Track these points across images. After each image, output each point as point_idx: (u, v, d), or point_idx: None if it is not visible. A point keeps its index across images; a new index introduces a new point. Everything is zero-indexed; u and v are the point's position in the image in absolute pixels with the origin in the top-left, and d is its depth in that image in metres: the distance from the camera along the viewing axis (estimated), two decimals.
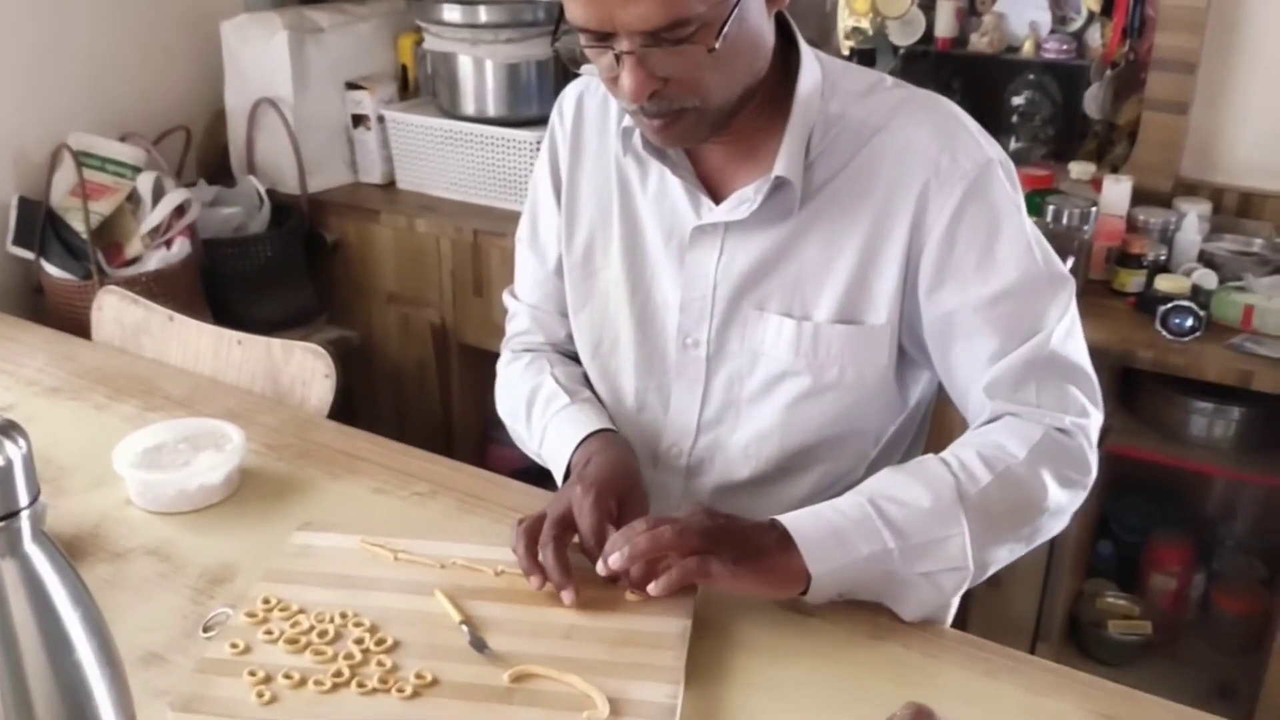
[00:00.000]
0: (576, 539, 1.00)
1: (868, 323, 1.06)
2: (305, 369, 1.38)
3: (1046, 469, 1.00)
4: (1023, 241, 1.03)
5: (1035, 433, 1.01)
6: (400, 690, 0.87)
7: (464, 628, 0.94)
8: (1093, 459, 1.04)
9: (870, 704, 0.89)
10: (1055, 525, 1.04)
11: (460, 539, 1.05)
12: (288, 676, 0.88)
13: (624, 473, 1.07)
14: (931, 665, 0.94)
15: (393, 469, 1.22)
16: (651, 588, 0.93)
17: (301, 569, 1.02)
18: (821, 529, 0.95)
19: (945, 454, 1.02)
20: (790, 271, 1.07)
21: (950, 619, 1.08)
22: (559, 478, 1.14)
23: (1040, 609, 1.66)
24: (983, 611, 1.71)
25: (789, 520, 0.96)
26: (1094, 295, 1.80)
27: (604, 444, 1.10)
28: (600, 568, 0.95)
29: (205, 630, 0.96)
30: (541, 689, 0.88)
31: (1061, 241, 1.59)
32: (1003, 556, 1.01)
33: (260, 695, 0.86)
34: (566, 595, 0.96)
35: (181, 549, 1.08)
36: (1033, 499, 1.00)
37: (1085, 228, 1.82)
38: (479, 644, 0.92)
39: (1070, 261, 1.65)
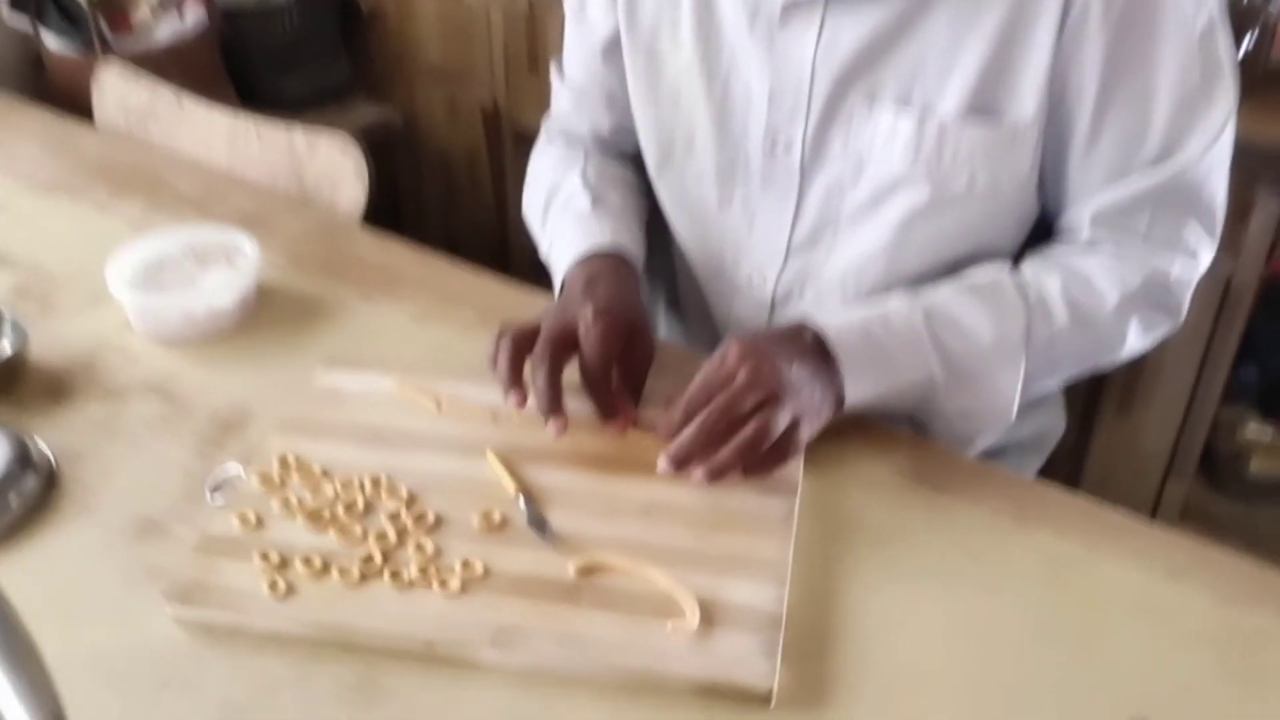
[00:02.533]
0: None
1: (1007, 119, 0.84)
2: (333, 165, 1.18)
3: (1134, 317, 0.88)
4: (1186, 43, 0.81)
5: (1134, 277, 0.86)
6: (444, 583, 0.71)
7: (521, 501, 0.77)
8: (1187, 303, 0.89)
9: (1015, 609, 0.72)
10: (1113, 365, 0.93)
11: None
12: (308, 563, 0.72)
13: (635, 308, 0.89)
14: (1095, 561, 0.76)
15: (437, 290, 1.03)
16: (698, 475, 0.77)
17: (326, 419, 0.85)
18: (868, 349, 0.82)
19: (1025, 275, 0.87)
20: (909, 54, 0.84)
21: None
22: (557, 289, 0.96)
23: (1177, 441, 1.47)
24: (1107, 440, 1.52)
25: (833, 337, 0.81)
26: (1275, 84, 1.52)
27: (613, 269, 0.92)
28: (662, 466, 0.77)
29: (212, 494, 0.80)
30: (615, 586, 0.71)
31: (1242, 19, 1.31)
32: (1035, 392, 0.89)
33: (274, 586, 0.71)
34: (555, 426, 0.81)
35: (187, 387, 0.91)
36: (1106, 348, 0.89)
37: (1272, 2, 1.52)
38: (539, 523, 0.75)
39: (1248, 41, 1.37)
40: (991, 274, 0.86)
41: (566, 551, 0.73)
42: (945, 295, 0.85)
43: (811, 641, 0.69)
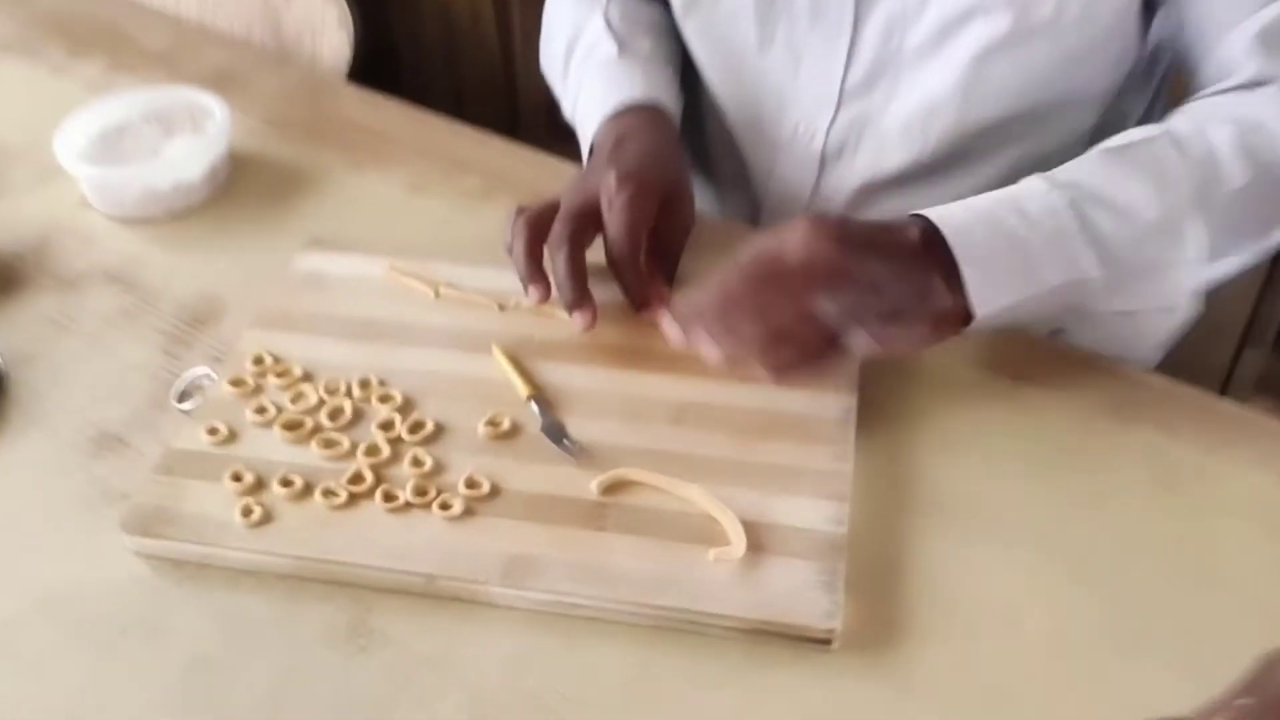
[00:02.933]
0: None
1: None
2: (313, 12, 1.03)
3: None
4: None
5: None
6: (445, 506, 0.61)
7: (533, 406, 0.66)
8: None
9: (1118, 524, 0.61)
10: None
11: None
12: (286, 483, 0.62)
13: (671, 168, 0.76)
14: (1209, 466, 0.64)
15: (435, 156, 0.90)
16: (706, 350, 0.64)
17: (308, 310, 0.73)
18: (999, 248, 0.63)
19: (1181, 130, 0.68)
20: None
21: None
22: (585, 154, 0.83)
23: (1256, 309, 1.33)
24: None
25: (952, 232, 0.63)
26: None
27: (647, 123, 0.77)
28: (669, 330, 0.65)
29: (180, 401, 0.69)
30: (646, 507, 0.61)
31: None
32: (1215, 275, 0.70)
33: (248, 513, 0.60)
34: (581, 319, 0.69)
35: (151, 273, 0.80)
36: None
37: None
38: (555, 432, 0.64)
39: None
40: (1137, 135, 0.69)
41: (588, 466, 0.63)
42: (1087, 167, 0.67)
43: (877, 570, 0.59)
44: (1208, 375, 0.68)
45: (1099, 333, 0.71)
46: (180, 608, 0.59)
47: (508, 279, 0.73)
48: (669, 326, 0.66)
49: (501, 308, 0.73)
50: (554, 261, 0.69)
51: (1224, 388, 1.35)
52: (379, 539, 0.59)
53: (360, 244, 0.78)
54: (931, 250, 0.63)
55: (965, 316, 0.63)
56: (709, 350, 0.64)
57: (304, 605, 0.58)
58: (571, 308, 0.69)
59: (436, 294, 0.74)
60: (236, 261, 0.80)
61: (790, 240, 0.62)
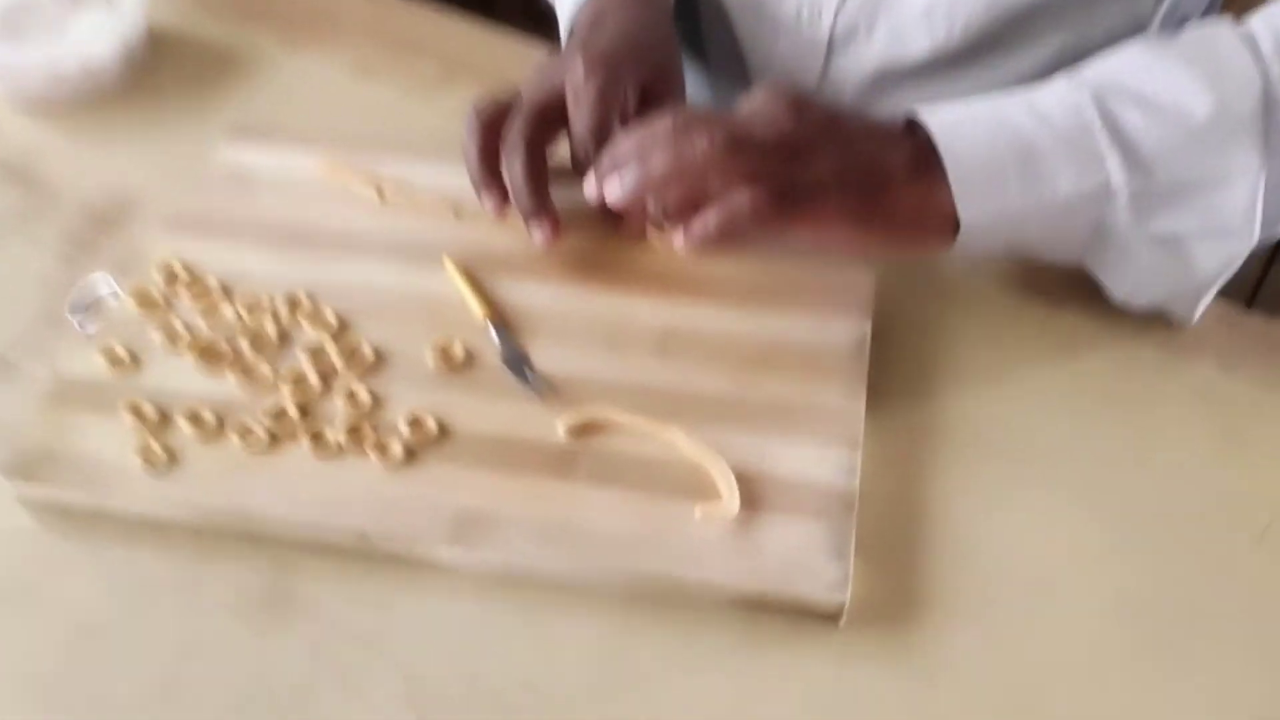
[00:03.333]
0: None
1: None
2: None
3: None
4: None
5: None
6: (383, 449, 0.51)
7: (492, 330, 0.56)
8: None
9: (1171, 474, 0.52)
10: None
11: None
12: (196, 420, 0.52)
13: (656, 51, 0.64)
14: (1270, 407, 0.55)
15: (386, 35, 0.78)
16: (678, 238, 0.54)
17: (229, 212, 0.63)
18: (996, 142, 0.53)
19: (1257, 28, 0.56)
20: None
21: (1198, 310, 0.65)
22: (563, 37, 0.71)
23: None
24: None
25: (939, 123, 0.54)
26: None
27: (632, 1, 0.66)
28: (588, 189, 0.55)
29: (77, 315, 0.59)
30: (623, 453, 0.51)
31: None
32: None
33: (148, 455, 0.51)
34: (539, 231, 0.58)
35: (53, 168, 0.69)
36: None
37: None
38: (517, 362, 0.55)
39: None
40: (1196, 28, 0.58)
41: (555, 404, 0.53)
42: (1123, 59, 0.56)
43: (893, 531, 0.50)
44: (1232, 289, 0.58)
45: (1128, 273, 0.58)
46: (68, 566, 0.50)
47: (462, 179, 0.62)
48: (588, 184, 0.56)
49: (457, 214, 0.62)
50: (508, 164, 0.58)
51: (1249, 305, 1.26)
52: (304, 488, 0.50)
53: (294, 135, 0.67)
54: (912, 137, 0.54)
55: (950, 224, 0.54)
56: (611, 187, 0.54)
57: (213, 566, 0.49)
58: (528, 218, 0.58)
59: (381, 196, 0.63)
60: (151, 155, 0.69)
61: (742, 105, 0.55)
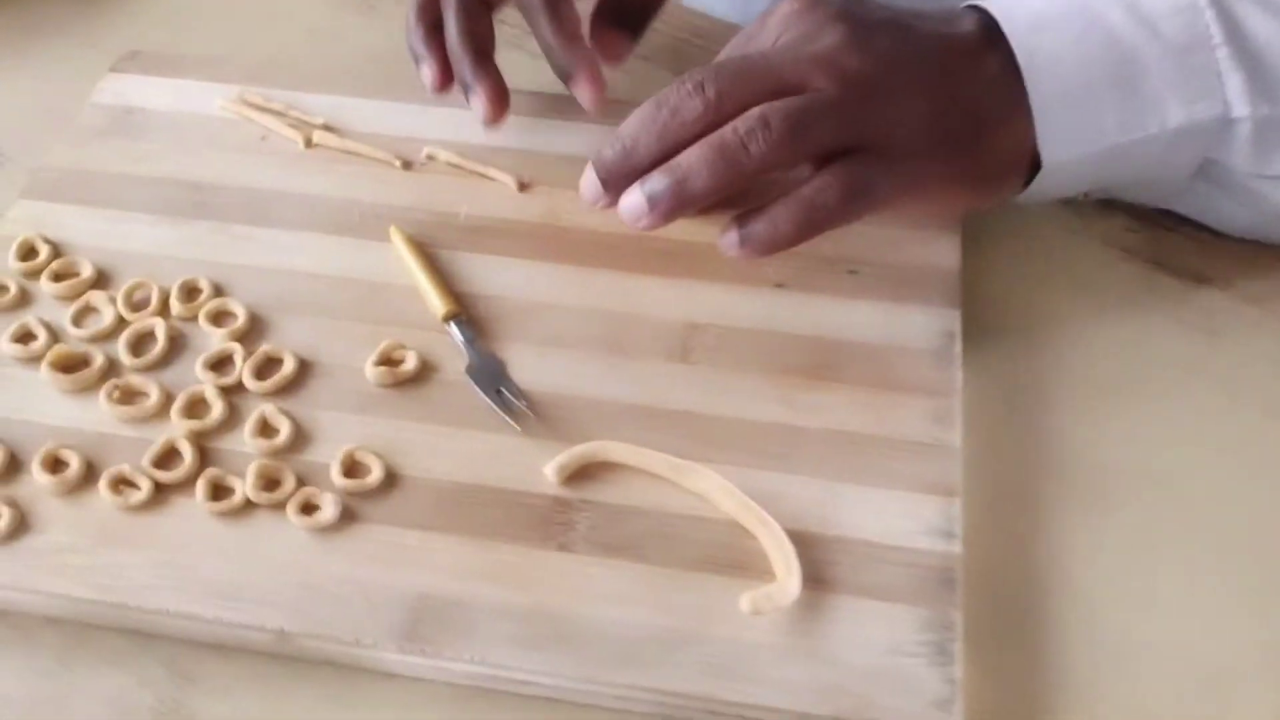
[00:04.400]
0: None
1: None
2: None
3: None
4: None
5: None
6: (309, 509, 0.37)
7: (455, 330, 0.42)
8: None
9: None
10: None
11: (451, 100, 0.48)
12: (55, 465, 0.38)
13: None
14: None
15: None
16: (730, 243, 0.40)
17: (109, 168, 0.48)
18: (1087, 59, 0.41)
19: None
20: None
21: None
22: None
23: None
24: None
25: (1019, 30, 0.41)
26: None
27: None
28: (586, 188, 0.41)
29: None
30: (634, 508, 0.38)
31: None
32: None
33: None
34: (479, 103, 0.46)
35: None
36: None
37: None
38: (489, 374, 0.41)
39: None
40: None
41: (541, 435, 0.39)
42: None
43: (1003, 607, 0.37)
44: None
45: (1248, 213, 0.46)
46: None
47: (415, 118, 0.48)
48: (585, 182, 0.41)
49: (406, 165, 0.48)
50: (446, 23, 0.47)
51: None
52: (202, 564, 0.36)
53: (196, 65, 0.52)
54: (991, 49, 0.41)
55: (1027, 160, 0.42)
56: (632, 208, 0.39)
57: (83, 676, 0.36)
58: (467, 87, 0.46)
59: (308, 143, 0.49)
60: (15, 94, 0.54)
61: (770, 21, 0.42)
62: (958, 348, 0.41)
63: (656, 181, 0.39)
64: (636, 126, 0.39)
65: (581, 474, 0.38)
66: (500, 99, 0.46)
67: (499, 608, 0.35)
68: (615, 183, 0.40)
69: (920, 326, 0.42)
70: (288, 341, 0.42)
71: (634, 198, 0.39)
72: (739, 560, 0.36)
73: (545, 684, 0.34)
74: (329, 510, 0.37)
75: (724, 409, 0.40)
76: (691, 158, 0.38)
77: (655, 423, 0.39)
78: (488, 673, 0.34)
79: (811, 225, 0.39)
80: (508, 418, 0.40)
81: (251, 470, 0.38)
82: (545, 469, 0.38)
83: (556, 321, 0.43)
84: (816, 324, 0.42)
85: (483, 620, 0.35)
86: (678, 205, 0.39)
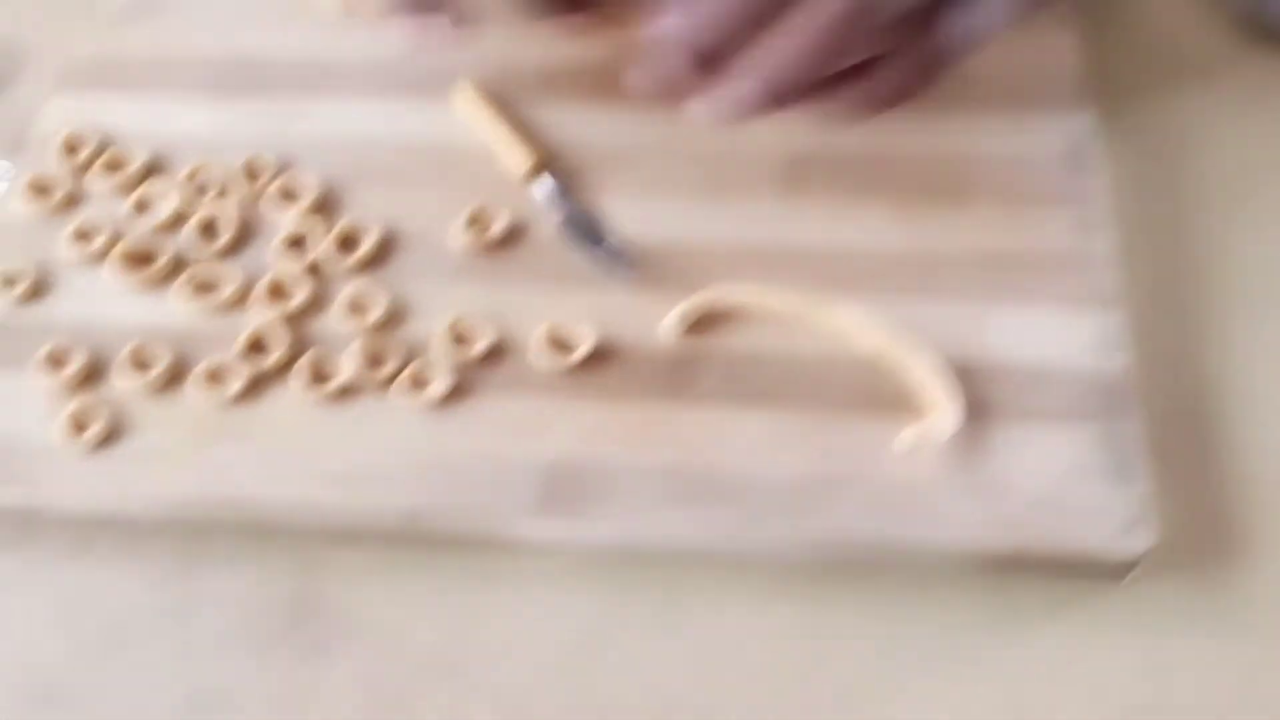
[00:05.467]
0: None
1: None
2: None
3: None
4: None
5: None
6: (420, 383, 0.35)
7: (543, 184, 0.39)
8: None
9: None
10: None
11: None
12: (140, 365, 0.36)
13: None
14: None
15: None
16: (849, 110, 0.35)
17: (147, 51, 0.44)
18: None
19: None
20: None
21: None
22: None
23: None
24: None
25: None
26: None
27: None
28: (635, 77, 0.36)
29: None
30: (765, 353, 0.35)
31: None
32: None
33: (79, 425, 0.35)
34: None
35: None
36: None
37: None
38: (587, 226, 0.38)
39: None
40: None
41: (650, 285, 0.36)
42: None
43: (1179, 425, 0.34)
44: None
45: None
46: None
47: None
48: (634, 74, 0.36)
49: (461, 19, 0.44)
50: None
51: None
52: (312, 451, 0.34)
53: None
54: None
55: None
56: (714, 102, 0.34)
57: (205, 581, 0.34)
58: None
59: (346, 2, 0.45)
60: None
61: None
62: (1092, 150, 0.38)
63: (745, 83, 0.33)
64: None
65: (700, 325, 0.35)
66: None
67: (636, 468, 0.33)
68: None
69: (1048, 132, 0.39)
70: (364, 214, 0.39)
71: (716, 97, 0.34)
72: (885, 398, 0.33)
73: (696, 540, 0.32)
74: (441, 383, 0.35)
75: (846, 242, 0.37)
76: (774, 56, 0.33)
77: (772, 265, 0.36)
78: (634, 534, 0.32)
79: (883, 107, 0.35)
80: (615, 272, 0.37)
81: (355, 349, 0.35)
82: (663, 322, 0.35)
83: (649, 168, 0.39)
84: (933, 144, 0.39)
85: (622, 481, 0.33)
86: (763, 101, 0.33)
